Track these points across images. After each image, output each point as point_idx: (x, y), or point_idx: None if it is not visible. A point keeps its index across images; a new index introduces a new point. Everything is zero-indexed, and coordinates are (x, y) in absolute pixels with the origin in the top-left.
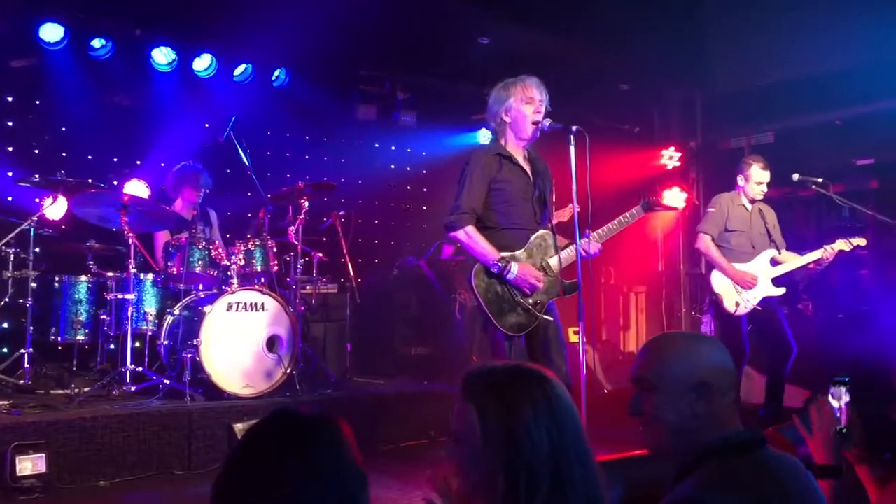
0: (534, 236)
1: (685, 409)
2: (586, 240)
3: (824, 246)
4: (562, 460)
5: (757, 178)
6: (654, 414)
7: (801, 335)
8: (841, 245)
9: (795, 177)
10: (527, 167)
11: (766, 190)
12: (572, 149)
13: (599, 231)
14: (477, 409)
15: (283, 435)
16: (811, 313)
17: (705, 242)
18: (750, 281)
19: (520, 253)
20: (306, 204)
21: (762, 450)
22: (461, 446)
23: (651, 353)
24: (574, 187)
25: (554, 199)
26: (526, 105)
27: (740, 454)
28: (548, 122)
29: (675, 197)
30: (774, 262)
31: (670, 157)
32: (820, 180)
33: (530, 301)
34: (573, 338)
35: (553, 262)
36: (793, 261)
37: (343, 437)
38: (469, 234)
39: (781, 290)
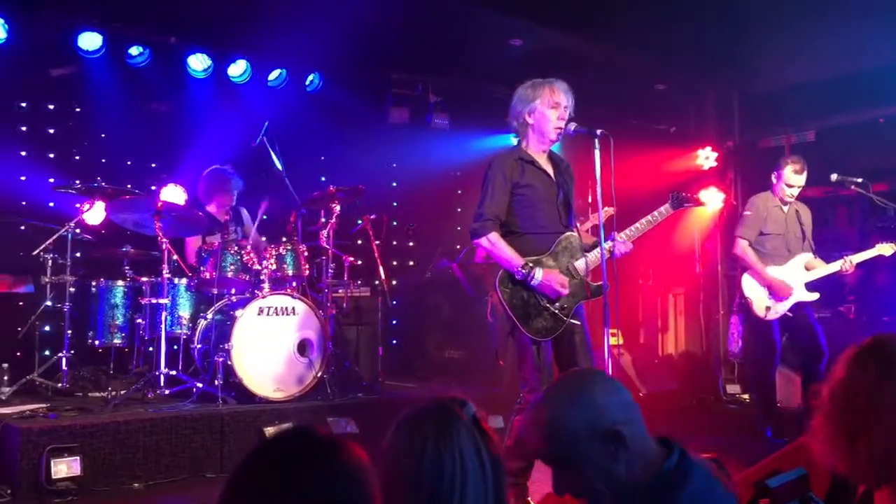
0: (559, 239)
1: (609, 464)
2: (611, 242)
3: (844, 257)
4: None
5: (788, 180)
6: (582, 486)
7: (842, 338)
8: (882, 249)
9: (834, 177)
10: (549, 169)
11: (795, 194)
12: (597, 153)
13: (628, 230)
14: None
15: (299, 453)
16: (853, 315)
17: (742, 247)
18: (785, 291)
19: (545, 257)
20: (337, 208)
21: (693, 462)
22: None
23: (543, 429)
24: (599, 191)
25: (590, 200)
26: (551, 110)
27: (690, 473)
28: (573, 125)
29: (712, 197)
30: (809, 266)
31: (706, 158)
32: (860, 180)
33: (557, 305)
34: (611, 340)
35: (579, 265)
36: (821, 268)
37: (359, 462)
38: (492, 242)
39: (815, 296)
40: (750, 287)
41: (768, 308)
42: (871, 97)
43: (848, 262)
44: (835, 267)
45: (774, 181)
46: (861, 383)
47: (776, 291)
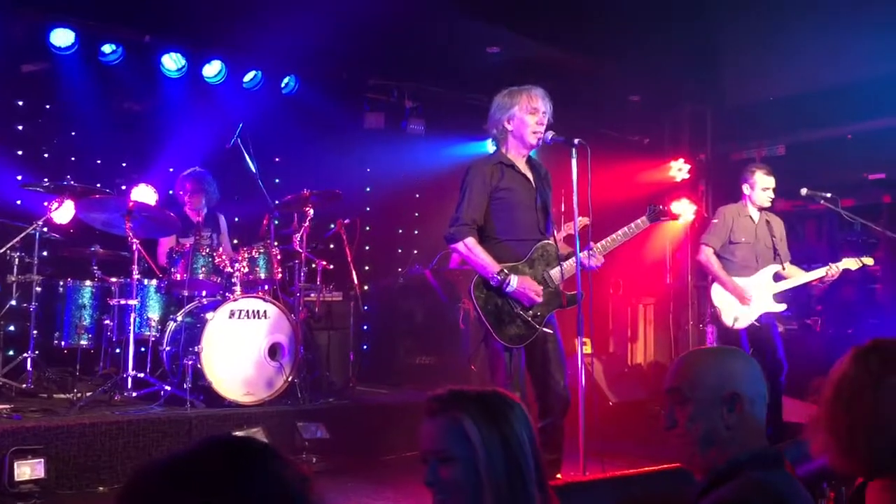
0: (536, 247)
1: (716, 420)
2: (587, 252)
3: (830, 264)
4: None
5: (762, 184)
6: (686, 425)
7: (808, 350)
8: (848, 263)
9: (804, 191)
10: (529, 174)
11: (772, 196)
12: (574, 162)
13: (603, 242)
14: (476, 423)
15: (215, 464)
16: (819, 328)
17: (706, 254)
18: (746, 297)
19: (521, 264)
20: (311, 212)
21: (783, 467)
22: (453, 464)
23: (684, 366)
24: (575, 200)
25: (563, 209)
26: (529, 115)
27: (768, 468)
28: (550, 134)
29: (684, 209)
30: (779, 277)
31: (679, 169)
32: (829, 195)
33: (530, 313)
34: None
35: (554, 273)
36: (797, 276)
37: (274, 458)
38: (469, 247)
39: (782, 307)
40: (718, 296)
41: (736, 318)
42: (840, 114)
43: (834, 268)
44: (818, 273)
45: (748, 191)
46: (863, 378)
47: (737, 297)
